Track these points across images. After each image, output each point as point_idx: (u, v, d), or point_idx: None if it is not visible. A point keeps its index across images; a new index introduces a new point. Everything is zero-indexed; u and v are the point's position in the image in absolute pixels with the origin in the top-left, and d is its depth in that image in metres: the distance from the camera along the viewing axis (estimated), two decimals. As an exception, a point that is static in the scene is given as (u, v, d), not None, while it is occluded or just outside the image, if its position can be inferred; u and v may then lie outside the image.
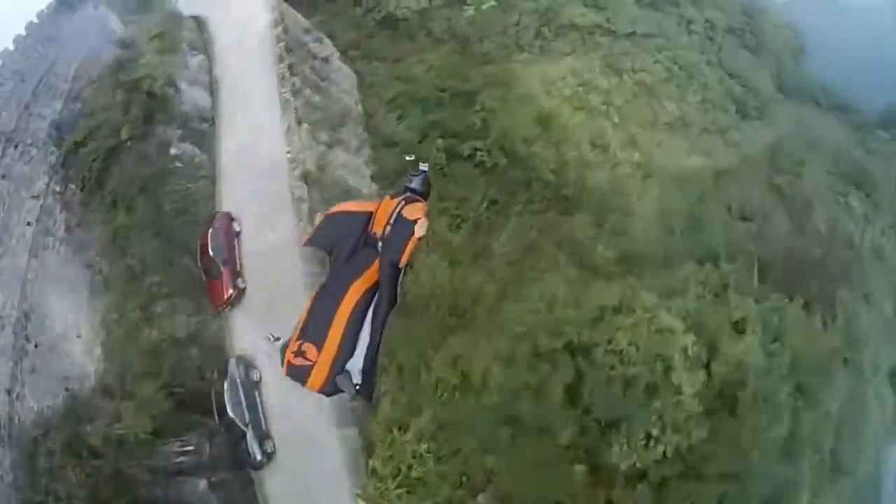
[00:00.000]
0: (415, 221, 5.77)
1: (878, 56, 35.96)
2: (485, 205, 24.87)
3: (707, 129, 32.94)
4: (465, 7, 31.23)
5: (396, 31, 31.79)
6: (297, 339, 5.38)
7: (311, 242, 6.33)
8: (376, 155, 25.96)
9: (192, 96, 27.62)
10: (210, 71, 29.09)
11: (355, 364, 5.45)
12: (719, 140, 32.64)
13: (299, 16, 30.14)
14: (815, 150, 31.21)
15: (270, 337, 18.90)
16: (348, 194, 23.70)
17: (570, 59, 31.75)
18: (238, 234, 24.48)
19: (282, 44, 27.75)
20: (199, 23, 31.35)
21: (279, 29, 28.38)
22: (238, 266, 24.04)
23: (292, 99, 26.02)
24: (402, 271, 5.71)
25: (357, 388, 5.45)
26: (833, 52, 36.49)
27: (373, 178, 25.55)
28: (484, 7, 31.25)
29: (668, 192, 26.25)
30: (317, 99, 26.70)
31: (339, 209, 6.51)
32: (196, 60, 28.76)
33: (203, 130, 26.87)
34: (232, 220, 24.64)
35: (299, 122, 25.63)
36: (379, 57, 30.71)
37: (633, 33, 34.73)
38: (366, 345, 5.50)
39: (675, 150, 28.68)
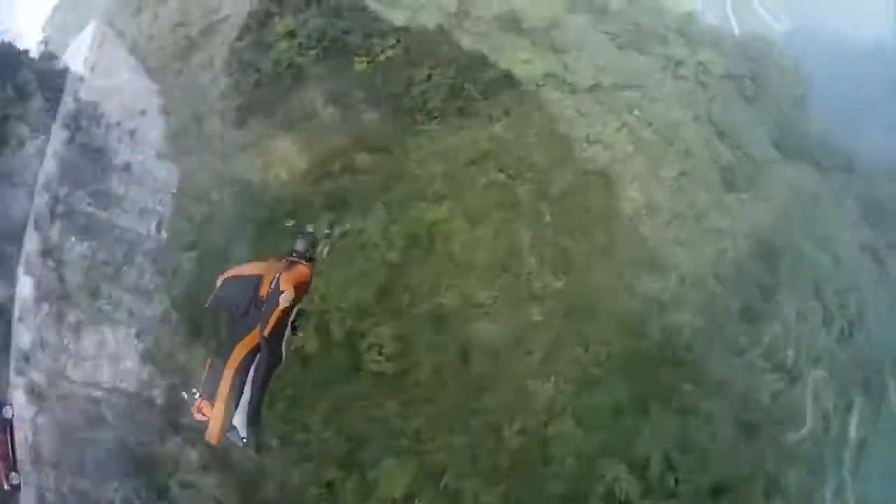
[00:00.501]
0: (283, 292, 6.34)
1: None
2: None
3: (680, 213, 24.37)
4: (356, 60, 23.17)
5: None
6: (199, 396, 6.33)
7: (210, 303, 6.98)
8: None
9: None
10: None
11: (240, 419, 6.20)
12: (694, 228, 24.07)
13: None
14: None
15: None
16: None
17: (497, 127, 23.53)
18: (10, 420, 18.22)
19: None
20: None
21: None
22: (11, 459, 17.89)
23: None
24: (289, 331, 6.52)
25: (244, 440, 6.31)
26: (836, 99, 30.86)
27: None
28: (382, 58, 23.08)
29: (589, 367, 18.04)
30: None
31: (235, 272, 6.99)
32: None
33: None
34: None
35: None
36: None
37: (598, 85, 26.23)
38: (247, 401, 6.23)
39: (622, 268, 20.41)
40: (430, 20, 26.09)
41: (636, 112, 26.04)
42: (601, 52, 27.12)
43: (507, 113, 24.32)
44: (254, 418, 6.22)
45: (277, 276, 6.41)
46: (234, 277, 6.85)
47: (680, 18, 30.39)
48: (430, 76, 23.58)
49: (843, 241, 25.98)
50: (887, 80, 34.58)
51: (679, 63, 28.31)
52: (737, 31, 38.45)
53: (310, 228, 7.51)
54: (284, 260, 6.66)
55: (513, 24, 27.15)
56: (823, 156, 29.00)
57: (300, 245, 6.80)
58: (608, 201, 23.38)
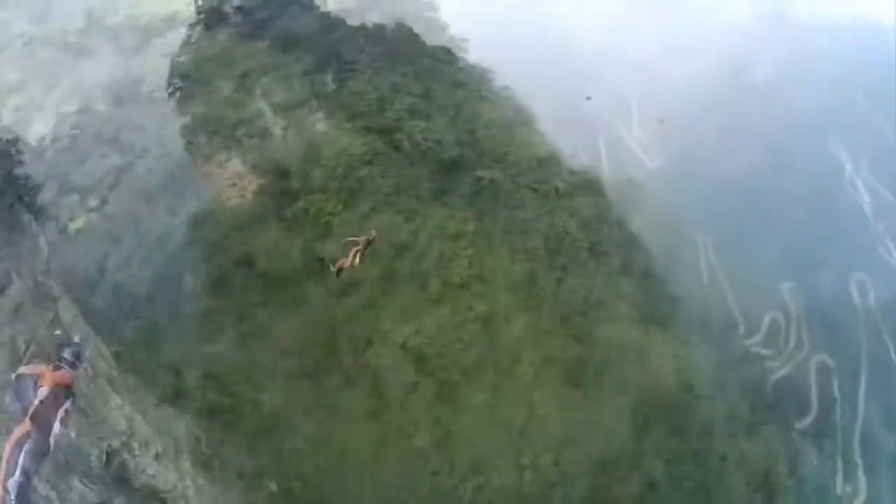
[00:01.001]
0: (41, 387, 8.52)
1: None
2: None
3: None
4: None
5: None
6: None
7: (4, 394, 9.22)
8: None
9: None
10: None
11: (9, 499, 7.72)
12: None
13: None
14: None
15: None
16: None
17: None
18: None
19: None
20: None
21: None
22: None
23: None
24: (58, 424, 8.43)
25: None
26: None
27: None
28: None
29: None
30: None
31: (24, 370, 9.17)
32: None
33: None
34: None
35: None
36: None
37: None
38: (17, 483, 7.86)
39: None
40: None
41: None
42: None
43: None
44: (23, 500, 7.70)
45: (41, 374, 8.50)
46: (22, 374, 8.83)
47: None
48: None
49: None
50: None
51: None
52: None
53: (76, 338, 10.13)
54: (53, 364, 8.83)
55: None
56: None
57: (67, 353, 8.84)
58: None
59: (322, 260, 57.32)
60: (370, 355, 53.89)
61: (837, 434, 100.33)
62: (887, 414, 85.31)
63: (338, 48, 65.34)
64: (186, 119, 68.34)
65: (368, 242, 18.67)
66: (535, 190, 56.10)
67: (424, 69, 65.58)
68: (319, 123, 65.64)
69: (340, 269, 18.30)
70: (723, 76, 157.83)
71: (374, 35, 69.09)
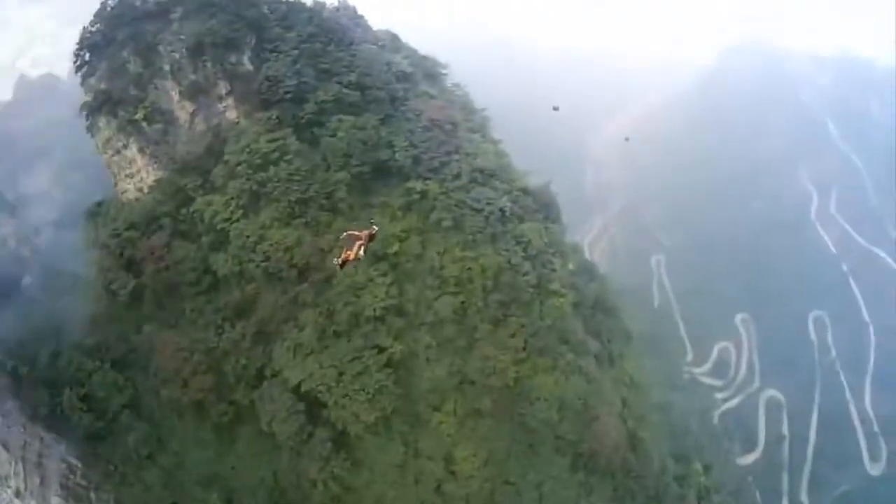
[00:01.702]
0: None
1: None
2: None
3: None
4: None
5: None
6: None
7: None
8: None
9: None
10: None
11: None
12: None
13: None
14: None
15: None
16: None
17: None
18: None
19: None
20: None
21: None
22: None
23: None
24: None
25: None
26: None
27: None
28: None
29: None
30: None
31: None
32: None
33: None
34: None
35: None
36: None
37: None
38: None
39: None
40: None
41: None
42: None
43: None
44: None
45: None
46: None
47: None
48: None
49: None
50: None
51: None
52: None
53: None
54: None
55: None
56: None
57: None
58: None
59: (215, 273, 50.51)
60: (261, 393, 45.14)
61: (784, 473, 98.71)
62: (839, 455, 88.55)
63: (260, 23, 55.03)
64: (89, 96, 57.33)
65: (371, 237, 18.20)
66: (477, 210, 47.54)
67: (364, 56, 55.89)
68: (230, 111, 55.68)
69: (344, 262, 18.03)
70: (692, 99, 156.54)
71: (308, 11, 58.87)
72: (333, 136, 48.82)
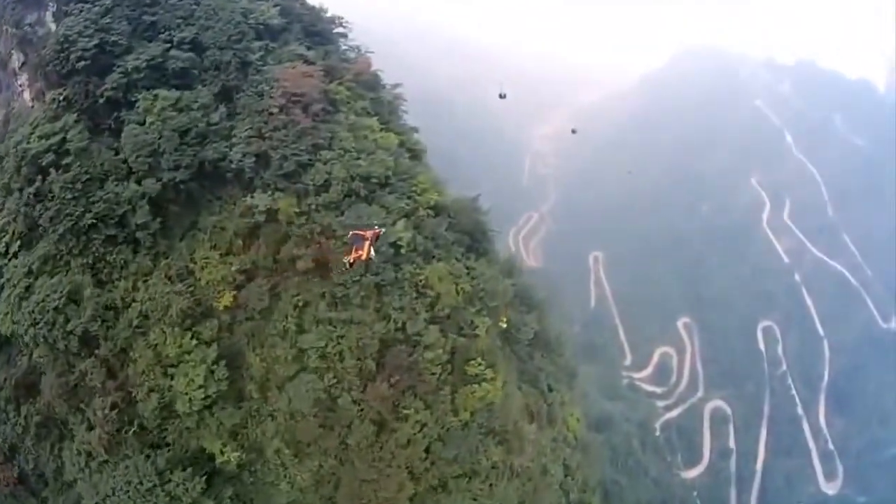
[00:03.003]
0: None
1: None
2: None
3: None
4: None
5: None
6: None
7: None
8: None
9: None
10: None
11: None
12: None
13: None
14: None
15: None
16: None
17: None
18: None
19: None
20: None
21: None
22: None
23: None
24: None
25: None
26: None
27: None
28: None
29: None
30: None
31: None
32: None
33: None
34: None
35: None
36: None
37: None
38: None
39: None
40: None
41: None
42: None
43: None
44: None
45: None
46: None
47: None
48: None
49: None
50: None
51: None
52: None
53: None
54: None
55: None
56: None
57: None
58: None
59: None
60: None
61: (731, 488, 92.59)
62: (790, 472, 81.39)
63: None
64: None
65: (377, 237, 17.55)
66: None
67: (209, 3, 37.69)
68: (26, 90, 37.52)
69: (355, 261, 17.54)
70: (641, 99, 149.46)
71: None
72: (142, 123, 31.61)
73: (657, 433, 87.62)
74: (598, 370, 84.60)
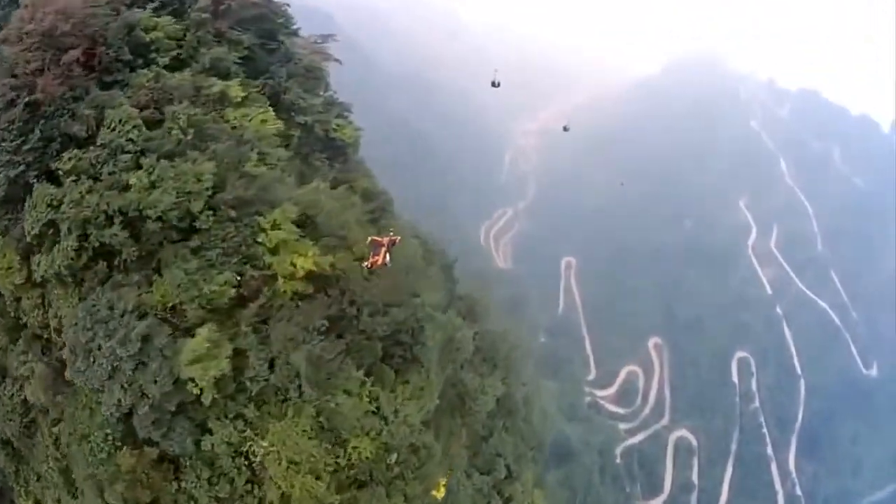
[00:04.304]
0: None
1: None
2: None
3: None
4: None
5: None
6: None
7: None
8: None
9: None
10: None
11: None
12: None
13: None
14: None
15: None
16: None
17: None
18: None
19: None
20: None
21: None
22: None
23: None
24: None
25: None
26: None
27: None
28: None
29: None
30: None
31: None
32: None
33: None
34: None
35: None
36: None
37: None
38: None
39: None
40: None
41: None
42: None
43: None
44: None
45: None
46: None
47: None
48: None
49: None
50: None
51: None
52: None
53: None
54: None
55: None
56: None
57: None
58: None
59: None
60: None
61: None
62: None
63: None
64: None
65: (393, 242, 17.89)
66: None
67: None
68: None
69: (373, 266, 17.93)
70: (631, 106, 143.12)
71: None
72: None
73: (617, 460, 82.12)
74: (559, 386, 78.85)
